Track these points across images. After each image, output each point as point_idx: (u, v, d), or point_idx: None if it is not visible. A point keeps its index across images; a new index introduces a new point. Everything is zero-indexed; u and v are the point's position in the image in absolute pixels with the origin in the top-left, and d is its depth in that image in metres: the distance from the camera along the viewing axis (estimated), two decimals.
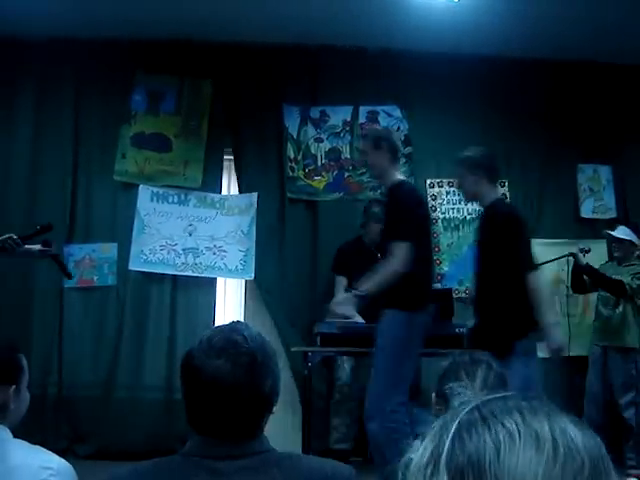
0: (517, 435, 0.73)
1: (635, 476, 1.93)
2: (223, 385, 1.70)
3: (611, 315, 5.98)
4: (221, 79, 6.74)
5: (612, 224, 6.89)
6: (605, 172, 7.04)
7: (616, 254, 6.17)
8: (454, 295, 6.32)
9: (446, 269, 6.76)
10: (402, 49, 6.72)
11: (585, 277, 6.16)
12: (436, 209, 6.85)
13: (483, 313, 4.66)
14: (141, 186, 6.52)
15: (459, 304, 6.29)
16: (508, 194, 6.90)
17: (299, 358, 5.73)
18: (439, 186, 6.89)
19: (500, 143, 6.92)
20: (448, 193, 6.89)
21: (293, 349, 5.18)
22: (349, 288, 5.79)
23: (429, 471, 0.75)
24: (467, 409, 0.78)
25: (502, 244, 4.45)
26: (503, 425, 0.74)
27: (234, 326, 1.81)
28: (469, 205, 6.84)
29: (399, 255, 4.51)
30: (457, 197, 6.86)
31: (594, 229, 6.70)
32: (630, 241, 6.05)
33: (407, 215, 4.62)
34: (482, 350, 2.36)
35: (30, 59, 6.55)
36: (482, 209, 4.93)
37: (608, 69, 6.97)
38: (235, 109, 6.74)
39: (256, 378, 1.73)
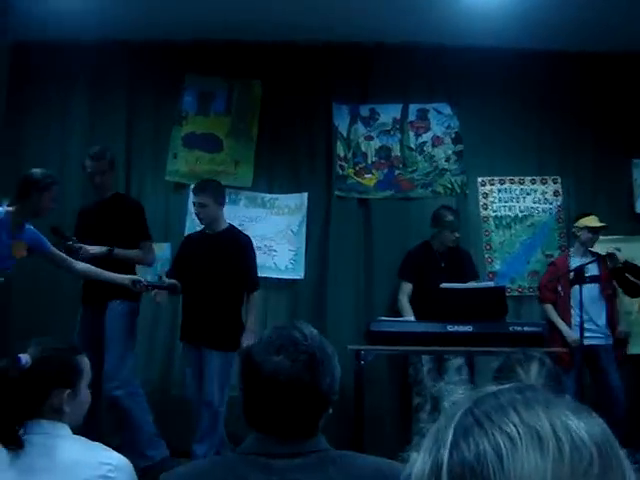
0: (517, 438, 0.70)
1: None
2: (281, 381, 1.70)
3: None
4: (270, 79, 6.76)
5: None
6: None
7: None
8: (507, 293, 6.24)
9: (498, 267, 6.69)
10: (452, 46, 6.66)
11: (629, 276, 6.09)
12: (487, 207, 6.79)
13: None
14: (192, 186, 6.56)
15: (511, 302, 6.21)
16: (561, 191, 6.81)
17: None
18: (490, 184, 6.83)
19: (552, 139, 6.87)
20: (500, 191, 6.82)
21: (350, 347, 5.16)
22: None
23: None
24: (460, 412, 0.75)
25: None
26: (501, 428, 0.71)
27: (293, 324, 1.83)
28: (521, 203, 6.77)
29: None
30: (509, 195, 6.79)
31: None
32: None
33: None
34: None
35: (83, 61, 6.65)
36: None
37: None
38: (285, 108, 6.75)
39: (314, 376, 1.73)
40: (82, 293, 5.50)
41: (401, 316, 5.94)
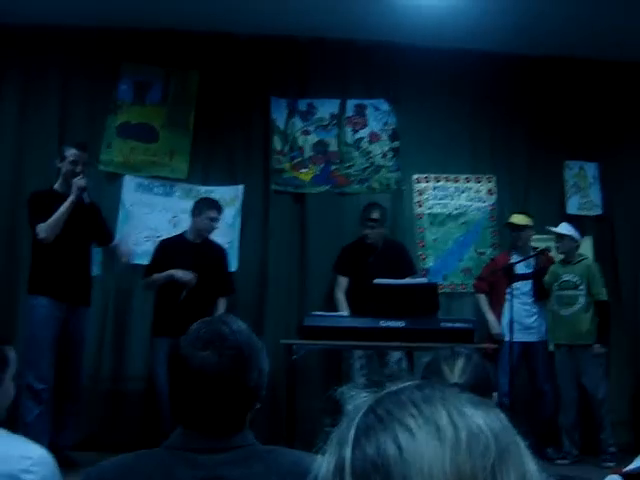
0: (416, 429, 0.71)
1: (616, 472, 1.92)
2: (208, 376, 1.69)
3: None
4: (208, 70, 6.71)
5: (599, 221, 6.96)
6: (591, 169, 7.06)
7: (558, 250, 6.33)
8: (439, 290, 6.32)
9: (431, 264, 6.76)
10: (391, 43, 6.71)
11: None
12: (422, 204, 6.85)
13: None
14: (126, 176, 6.49)
15: (444, 299, 6.29)
16: (495, 189, 6.91)
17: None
18: (425, 181, 6.89)
19: (488, 138, 6.98)
20: (435, 188, 6.89)
21: (282, 341, 5.16)
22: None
23: None
24: (362, 412, 0.76)
25: None
26: (400, 422, 0.72)
27: (222, 319, 1.82)
28: (455, 201, 6.86)
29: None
30: (443, 192, 6.87)
31: (580, 226, 6.70)
32: (570, 236, 6.21)
33: None
34: None
35: (16, 47, 6.49)
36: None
37: (597, 66, 6.99)
38: (222, 100, 6.70)
39: (242, 371, 1.72)
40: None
41: (337, 310, 5.97)
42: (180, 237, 5.93)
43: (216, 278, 5.79)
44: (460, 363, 2.08)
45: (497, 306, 6.26)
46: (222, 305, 5.87)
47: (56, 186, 5.43)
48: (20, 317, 5.87)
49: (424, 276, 6.51)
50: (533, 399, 6.22)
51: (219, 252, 5.96)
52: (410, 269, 6.18)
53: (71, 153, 5.40)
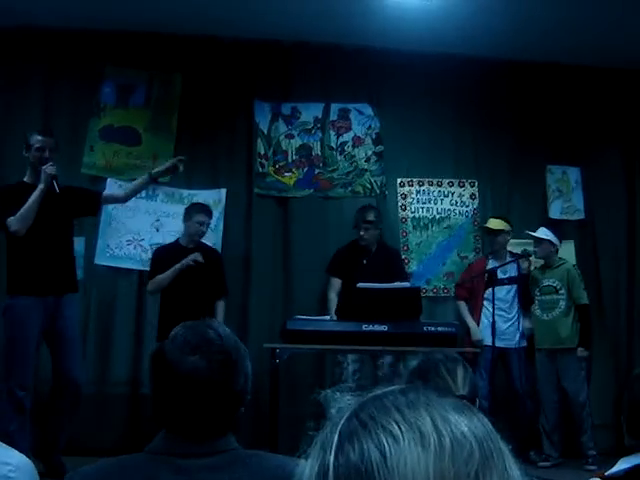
0: (400, 435, 0.71)
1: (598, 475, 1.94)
2: (198, 382, 1.69)
3: None
4: (191, 73, 6.69)
5: (581, 226, 7.00)
6: (574, 174, 7.10)
7: (538, 255, 6.40)
8: (422, 294, 6.33)
9: (414, 268, 6.77)
10: (375, 47, 6.72)
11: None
12: (406, 208, 6.87)
13: None
14: (109, 180, 6.45)
15: (427, 303, 6.31)
16: (477, 194, 6.94)
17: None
18: (409, 185, 6.90)
19: (470, 143, 7.01)
20: (418, 192, 6.90)
21: (265, 345, 5.15)
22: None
23: None
24: (345, 417, 0.76)
25: None
26: (384, 427, 0.72)
27: (206, 323, 1.81)
28: (439, 205, 6.88)
29: None
30: (426, 196, 6.88)
31: (562, 230, 6.73)
32: (549, 241, 6.26)
33: None
34: None
35: None
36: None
37: (579, 71, 7.03)
38: (205, 104, 6.69)
39: (229, 376, 1.72)
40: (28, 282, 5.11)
41: (328, 310, 5.99)
42: (174, 244, 6.00)
43: (212, 281, 5.87)
44: (460, 372, 2.09)
45: (476, 311, 6.27)
46: (221, 308, 5.95)
47: (25, 178, 5.22)
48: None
49: (407, 280, 6.52)
50: (511, 402, 6.24)
51: (214, 255, 6.03)
52: (401, 275, 6.18)
53: (36, 140, 5.14)
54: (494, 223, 6.38)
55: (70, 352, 5.13)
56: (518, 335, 6.26)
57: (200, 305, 5.51)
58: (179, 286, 5.69)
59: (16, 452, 2.01)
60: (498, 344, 6.05)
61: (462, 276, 6.52)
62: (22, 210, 4.93)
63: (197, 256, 5.70)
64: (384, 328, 5.14)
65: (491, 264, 6.28)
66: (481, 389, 5.64)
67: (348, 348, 5.42)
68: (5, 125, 6.43)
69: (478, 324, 6.22)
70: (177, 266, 5.69)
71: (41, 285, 5.02)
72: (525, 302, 6.32)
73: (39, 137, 5.17)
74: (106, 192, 5.90)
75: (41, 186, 5.00)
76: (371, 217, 6.19)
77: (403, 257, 6.73)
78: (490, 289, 6.10)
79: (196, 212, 5.90)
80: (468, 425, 0.73)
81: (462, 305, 6.39)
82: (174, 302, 5.65)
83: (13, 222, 4.93)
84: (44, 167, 5.01)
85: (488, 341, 6.01)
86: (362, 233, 6.15)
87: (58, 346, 5.09)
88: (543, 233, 6.29)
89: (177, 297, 5.67)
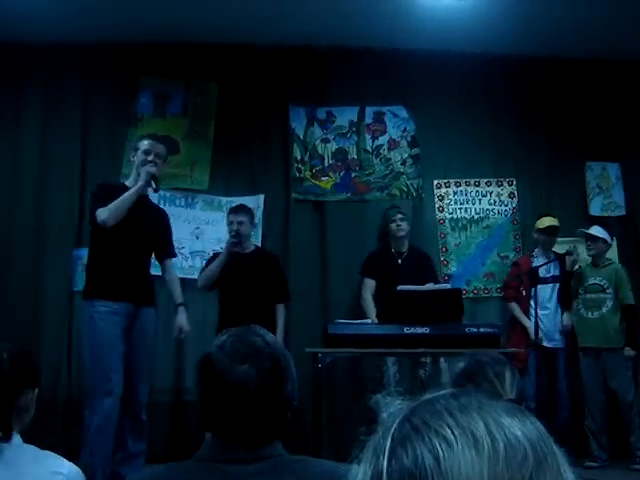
0: (453, 439, 0.71)
1: None
2: (248, 390, 1.69)
3: None
4: (227, 81, 6.74)
5: (622, 222, 6.90)
6: (614, 169, 7.02)
7: (590, 252, 6.29)
8: (463, 295, 6.29)
9: (454, 269, 6.74)
10: (408, 49, 6.71)
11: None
12: (443, 209, 6.84)
13: None
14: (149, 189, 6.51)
15: (467, 304, 6.26)
16: (516, 193, 6.89)
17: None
18: (446, 186, 6.88)
19: (507, 142, 6.95)
20: (455, 193, 6.87)
21: (307, 350, 5.15)
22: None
23: None
24: (397, 422, 0.76)
25: None
26: (437, 432, 0.72)
27: (252, 330, 1.81)
28: (477, 205, 6.84)
29: None
30: (464, 197, 6.85)
31: (604, 227, 6.65)
32: (603, 239, 6.20)
33: None
34: None
35: (36, 64, 6.56)
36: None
37: (616, 66, 6.95)
38: (241, 111, 6.73)
39: (278, 383, 1.73)
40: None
41: (365, 313, 5.98)
42: (234, 254, 5.77)
43: (272, 285, 5.81)
44: (508, 376, 2.07)
45: (524, 311, 6.21)
46: (281, 312, 5.87)
47: (128, 181, 5.04)
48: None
49: (447, 282, 6.49)
50: (554, 403, 6.18)
51: (271, 259, 5.98)
52: (433, 279, 6.15)
53: (143, 143, 5.05)
54: (551, 220, 6.31)
55: (135, 371, 4.80)
56: (559, 334, 6.22)
57: (259, 310, 5.50)
58: (238, 290, 5.65)
59: (65, 461, 2.06)
60: (545, 344, 6.02)
61: (508, 276, 6.45)
62: (114, 202, 4.70)
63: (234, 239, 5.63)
64: (426, 330, 5.11)
65: (535, 262, 6.21)
66: (527, 389, 5.60)
67: (391, 351, 5.40)
68: (45, 138, 6.54)
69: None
70: (220, 256, 5.63)
71: (125, 291, 4.76)
72: (565, 299, 6.26)
73: (146, 141, 5.08)
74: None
75: (141, 182, 4.83)
76: (399, 215, 6.19)
77: (442, 259, 6.70)
78: (534, 288, 6.04)
79: (229, 213, 5.89)
80: (521, 429, 0.73)
81: (514, 306, 6.31)
82: (233, 306, 5.61)
83: (103, 212, 4.67)
84: (144, 167, 4.88)
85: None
86: (395, 227, 6.15)
87: (126, 361, 4.74)
88: (597, 231, 6.22)
89: (236, 301, 5.63)
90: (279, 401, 1.74)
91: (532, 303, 6.01)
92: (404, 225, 6.16)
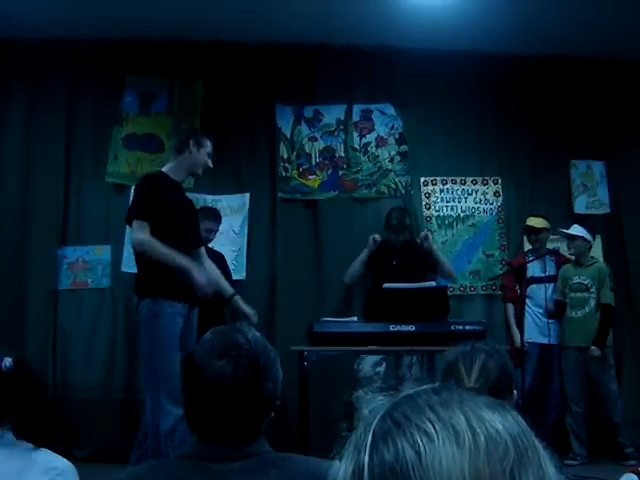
0: (434, 433, 0.71)
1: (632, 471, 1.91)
2: (224, 386, 1.70)
3: None
4: (212, 79, 6.72)
5: (607, 220, 6.93)
6: (598, 168, 7.05)
7: (571, 252, 6.31)
8: (449, 293, 6.31)
9: None
10: (396, 47, 6.71)
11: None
12: (430, 207, 6.85)
13: None
14: (133, 187, 6.48)
15: (453, 301, 6.28)
16: (501, 191, 6.91)
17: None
18: (433, 184, 6.89)
19: (493, 140, 6.97)
20: (442, 191, 6.89)
21: (292, 348, 5.14)
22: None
23: None
24: (378, 417, 0.76)
25: None
26: (418, 426, 0.72)
27: (236, 328, 1.82)
28: (463, 203, 6.86)
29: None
30: (450, 195, 6.86)
31: (588, 225, 6.68)
32: (582, 237, 6.22)
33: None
34: None
35: (20, 61, 6.53)
36: None
37: (601, 64, 6.97)
38: (227, 109, 6.71)
39: (257, 380, 1.73)
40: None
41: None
42: None
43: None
44: (478, 365, 2.05)
45: (520, 310, 6.22)
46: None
47: (173, 175, 4.80)
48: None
49: (433, 279, 6.51)
50: (541, 400, 6.20)
51: (218, 258, 5.78)
52: (434, 267, 6.26)
53: (208, 143, 4.86)
54: (536, 221, 6.34)
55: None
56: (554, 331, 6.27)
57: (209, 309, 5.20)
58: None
59: (60, 457, 2.12)
60: (542, 341, 6.11)
61: (505, 277, 6.45)
62: (165, 251, 4.47)
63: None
64: (411, 328, 5.13)
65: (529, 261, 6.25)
66: (518, 384, 5.62)
67: (376, 349, 5.41)
68: (29, 135, 6.51)
69: (523, 323, 6.08)
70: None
71: (185, 291, 4.55)
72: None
73: (210, 142, 4.91)
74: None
75: (195, 275, 4.53)
76: (394, 221, 6.25)
77: None
78: (530, 288, 6.11)
79: (203, 218, 5.54)
80: (502, 423, 0.73)
81: (509, 307, 6.36)
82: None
83: (146, 243, 4.50)
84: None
85: (535, 339, 6.11)
86: (388, 236, 6.23)
87: None
88: (576, 230, 6.24)
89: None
90: (258, 399, 1.73)
91: (528, 302, 6.06)
92: (393, 237, 6.28)
